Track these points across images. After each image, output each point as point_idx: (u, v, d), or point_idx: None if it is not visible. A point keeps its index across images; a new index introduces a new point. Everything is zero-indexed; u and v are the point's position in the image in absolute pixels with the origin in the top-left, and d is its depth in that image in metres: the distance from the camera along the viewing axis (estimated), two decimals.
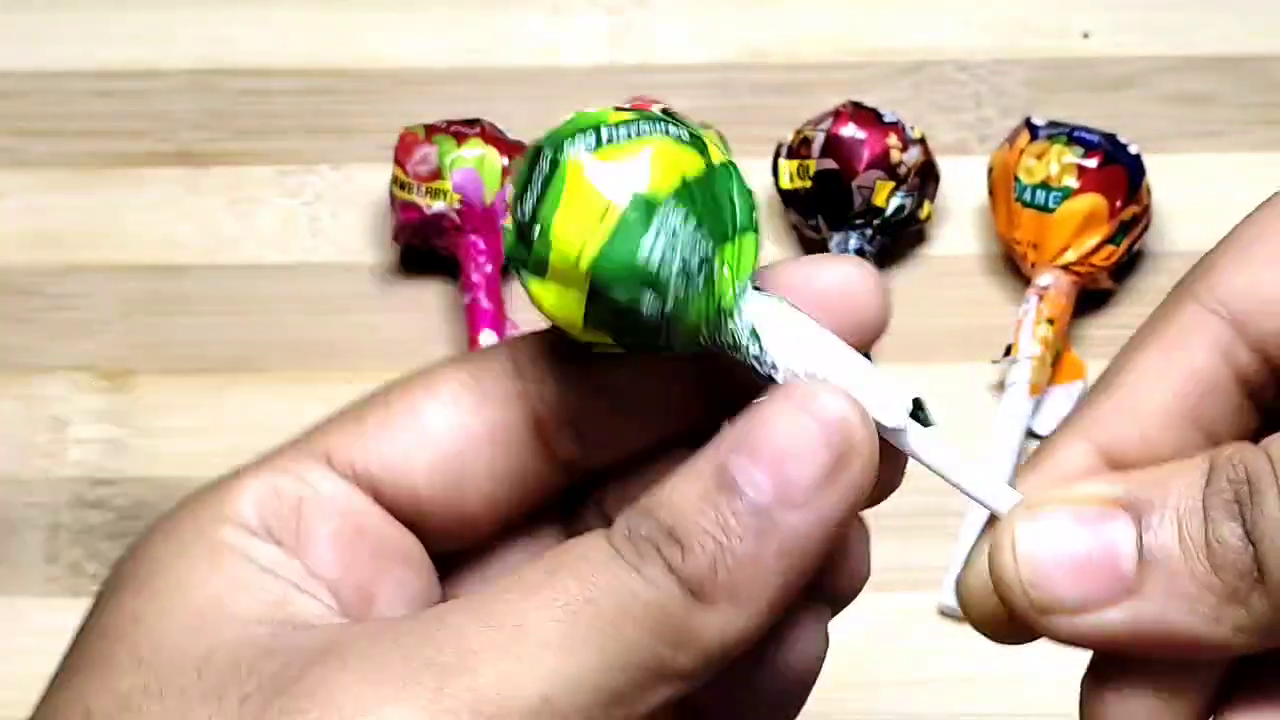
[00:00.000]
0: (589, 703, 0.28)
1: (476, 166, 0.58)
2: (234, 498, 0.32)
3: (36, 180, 0.63)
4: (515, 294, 0.59)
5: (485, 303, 0.57)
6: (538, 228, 0.31)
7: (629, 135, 0.31)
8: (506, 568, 0.33)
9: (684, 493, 0.29)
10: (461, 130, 0.58)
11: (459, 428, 0.33)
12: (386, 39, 0.66)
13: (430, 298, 0.60)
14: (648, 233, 0.30)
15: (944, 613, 0.53)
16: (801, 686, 0.33)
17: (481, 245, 0.58)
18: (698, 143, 0.31)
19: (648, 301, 0.31)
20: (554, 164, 0.31)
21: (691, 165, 0.31)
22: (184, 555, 0.31)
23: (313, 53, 0.65)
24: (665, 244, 0.31)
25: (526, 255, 0.31)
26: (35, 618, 0.54)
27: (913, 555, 0.55)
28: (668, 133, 0.31)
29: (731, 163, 0.32)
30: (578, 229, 0.30)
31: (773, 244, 0.61)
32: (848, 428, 0.30)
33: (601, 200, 0.30)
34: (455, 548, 0.33)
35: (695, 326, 0.31)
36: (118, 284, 0.60)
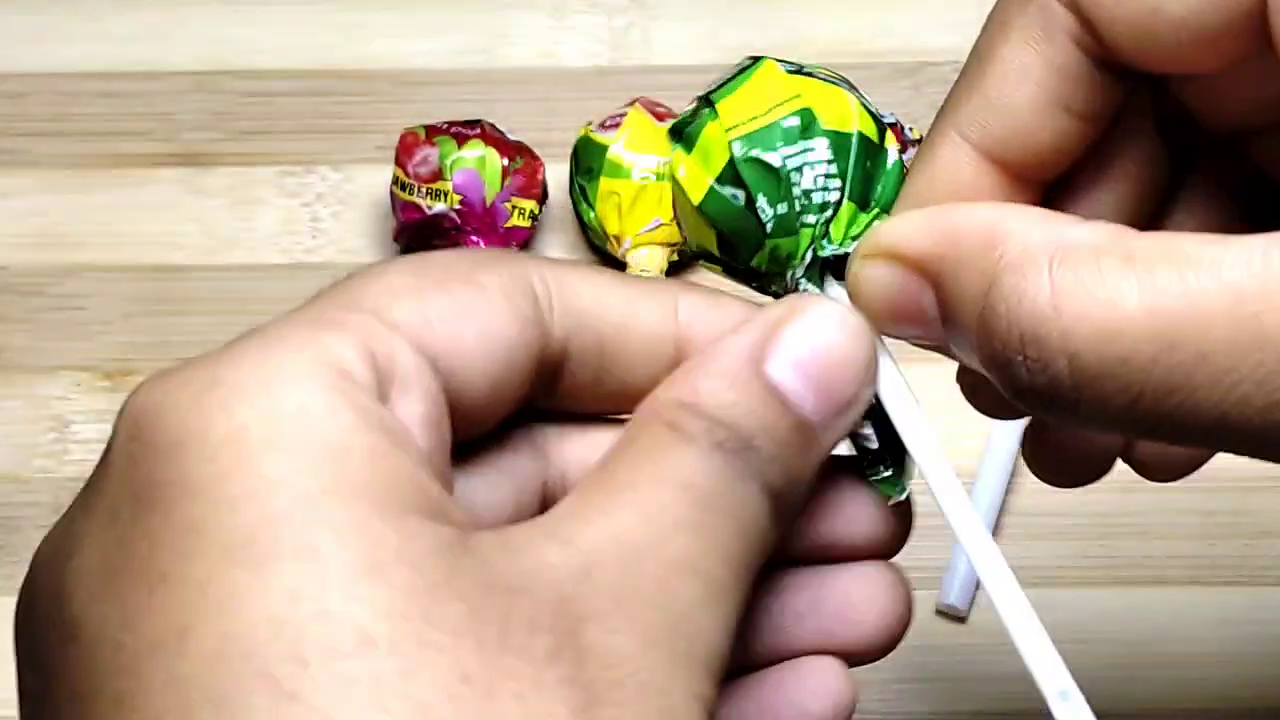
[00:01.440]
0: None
1: (477, 167, 0.58)
2: (338, 348, 0.28)
3: (39, 181, 0.63)
4: None
5: None
6: (707, 107, 0.33)
7: (838, 83, 0.33)
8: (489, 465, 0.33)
9: (728, 394, 0.30)
10: (462, 131, 0.58)
11: (517, 318, 0.31)
12: (387, 40, 0.66)
13: None
14: (797, 144, 0.32)
15: (944, 613, 0.54)
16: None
17: (482, 245, 0.58)
18: (885, 126, 0.33)
19: (763, 198, 0.32)
20: (754, 61, 0.33)
21: (870, 132, 0.33)
22: (325, 408, 0.27)
23: (314, 54, 0.65)
24: (807, 163, 0.32)
25: (686, 126, 0.33)
26: None
27: (913, 555, 0.55)
28: (867, 105, 0.33)
29: (901, 159, 0.33)
30: (743, 109, 0.32)
31: None
32: (870, 343, 0.32)
33: (778, 94, 0.32)
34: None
35: (787, 255, 0.33)
36: (120, 284, 0.61)
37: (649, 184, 0.58)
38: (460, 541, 0.27)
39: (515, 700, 0.26)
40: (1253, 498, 0.55)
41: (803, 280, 0.33)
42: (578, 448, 0.34)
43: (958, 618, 0.53)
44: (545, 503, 0.33)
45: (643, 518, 0.28)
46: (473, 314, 0.30)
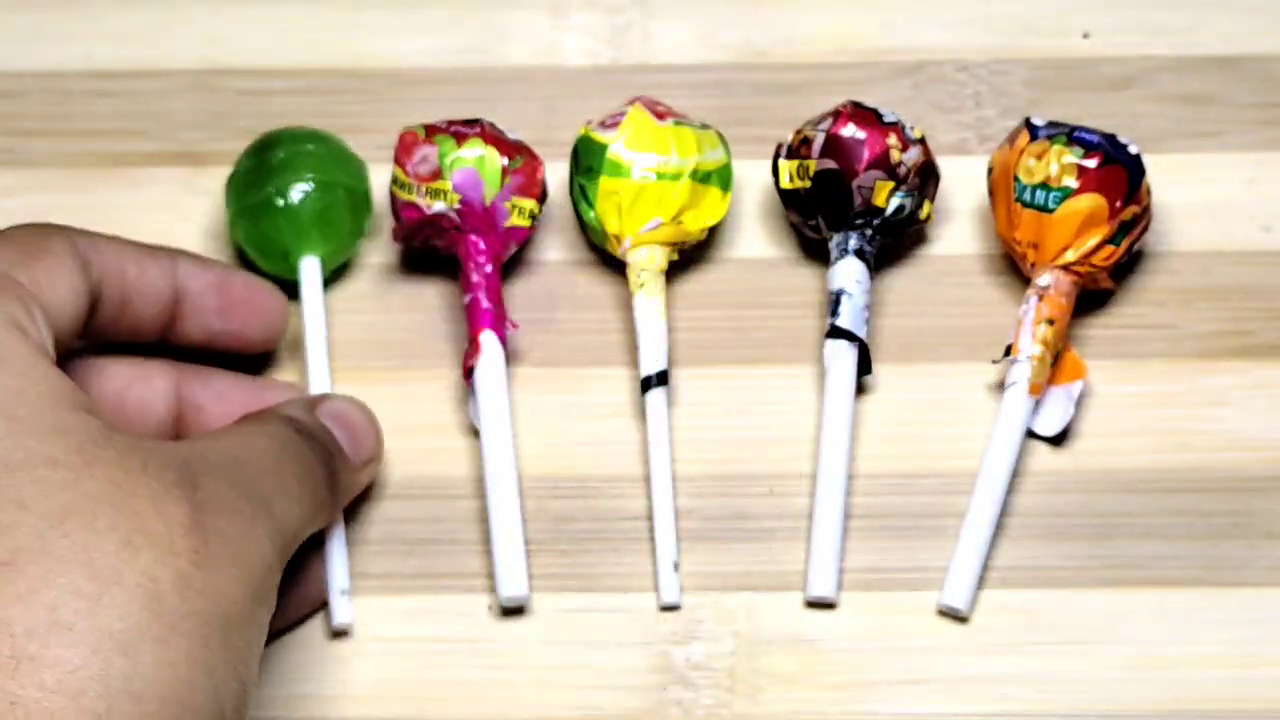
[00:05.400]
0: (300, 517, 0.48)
1: (477, 167, 0.58)
2: (11, 307, 0.46)
3: (35, 180, 0.63)
4: (514, 294, 0.59)
5: (485, 303, 0.57)
6: None
7: None
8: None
9: (304, 416, 0.52)
10: (461, 130, 0.58)
11: (78, 279, 0.49)
12: (386, 39, 0.66)
13: (430, 298, 0.60)
14: None
15: (944, 613, 0.53)
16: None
17: (482, 245, 0.57)
18: None
19: None
20: None
21: None
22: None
23: (312, 53, 0.65)
24: None
25: None
26: None
27: (913, 555, 0.55)
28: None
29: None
30: None
31: (773, 245, 0.61)
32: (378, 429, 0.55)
33: None
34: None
35: None
36: None
37: (649, 183, 0.57)
38: (111, 427, 0.44)
39: (149, 499, 0.42)
40: (1255, 499, 0.55)
41: None
42: (202, 378, 0.54)
43: (958, 618, 0.53)
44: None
45: (244, 442, 0.48)
46: (59, 275, 0.48)
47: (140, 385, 0.53)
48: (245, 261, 0.60)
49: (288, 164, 0.58)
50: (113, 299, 0.51)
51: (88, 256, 0.50)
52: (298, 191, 0.58)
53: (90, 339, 0.51)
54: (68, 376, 0.45)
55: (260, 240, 0.58)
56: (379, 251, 0.61)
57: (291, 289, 0.59)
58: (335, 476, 0.51)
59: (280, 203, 0.58)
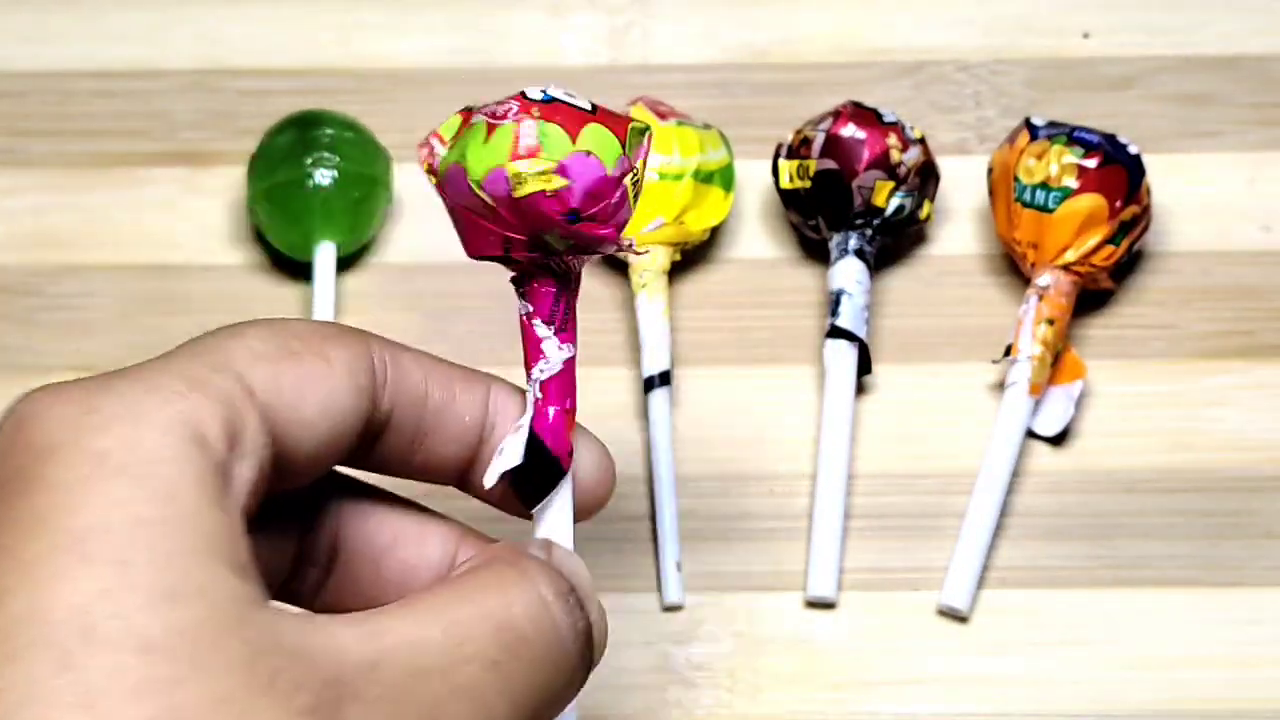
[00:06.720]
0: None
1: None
2: (201, 411, 0.33)
3: (36, 180, 0.63)
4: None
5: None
6: None
7: None
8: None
9: (568, 559, 0.40)
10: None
11: (355, 392, 0.37)
12: (386, 39, 0.66)
13: (427, 299, 0.60)
14: None
15: (944, 613, 0.53)
16: None
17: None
18: None
19: None
20: None
21: None
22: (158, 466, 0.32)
23: (312, 52, 0.65)
24: None
25: None
26: None
27: (913, 555, 0.55)
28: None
29: None
30: None
31: (773, 245, 0.61)
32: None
33: None
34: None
35: None
36: (117, 284, 0.60)
37: (651, 183, 0.57)
38: (258, 600, 0.32)
39: None
40: (1255, 499, 0.55)
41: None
42: (367, 523, 0.40)
43: (958, 618, 0.53)
44: (313, 560, 0.40)
45: (448, 641, 0.34)
46: (317, 386, 0.36)
47: (411, 546, 0.41)
48: (258, 239, 0.60)
49: (331, 145, 0.58)
50: (406, 428, 0.39)
51: (383, 373, 0.38)
52: (335, 175, 0.58)
53: (378, 470, 0.40)
54: (234, 515, 0.33)
55: (285, 217, 0.58)
56: (391, 245, 0.61)
57: (299, 271, 0.59)
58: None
59: (313, 183, 0.58)
